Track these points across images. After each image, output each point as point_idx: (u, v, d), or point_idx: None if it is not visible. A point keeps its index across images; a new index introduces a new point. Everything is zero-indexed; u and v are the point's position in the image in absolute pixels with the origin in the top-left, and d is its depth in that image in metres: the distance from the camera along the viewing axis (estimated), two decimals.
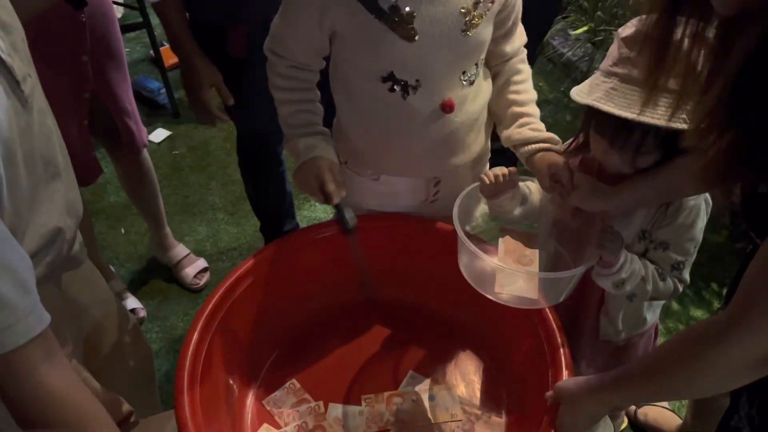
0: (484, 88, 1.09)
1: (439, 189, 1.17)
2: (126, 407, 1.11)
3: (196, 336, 0.99)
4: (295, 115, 1.08)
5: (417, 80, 0.99)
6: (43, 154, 0.74)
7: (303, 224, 2.00)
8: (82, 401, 0.66)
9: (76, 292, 1.02)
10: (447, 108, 1.02)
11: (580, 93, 0.90)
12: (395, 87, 1.00)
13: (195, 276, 1.95)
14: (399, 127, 1.05)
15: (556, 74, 2.67)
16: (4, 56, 0.65)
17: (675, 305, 1.86)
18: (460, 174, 1.15)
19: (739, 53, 0.56)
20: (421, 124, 1.04)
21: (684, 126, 0.77)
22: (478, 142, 1.14)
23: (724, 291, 1.85)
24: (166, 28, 1.38)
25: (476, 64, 1.03)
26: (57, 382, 0.64)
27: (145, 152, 1.74)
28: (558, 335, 0.98)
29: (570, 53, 2.56)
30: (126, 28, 2.35)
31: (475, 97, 1.07)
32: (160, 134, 2.51)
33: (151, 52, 2.75)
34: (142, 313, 1.84)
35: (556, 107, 2.55)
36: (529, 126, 1.05)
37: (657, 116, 0.78)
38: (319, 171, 1.05)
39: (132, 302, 1.85)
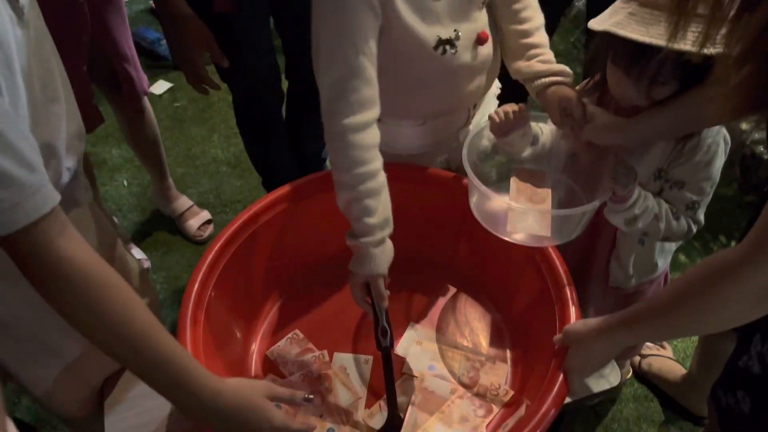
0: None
1: (476, 111, 1.17)
2: None
3: (197, 287, 0.98)
4: (351, 207, 0.97)
5: (455, 30, 0.99)
6: (41, 75, 0.72)
7: None
8: (103, 269, 0.68)
9: (81, 233, 1.01)
10: (483, 40, 1.02)
11: (597, 20, 0.86)
12: (446, 48, 0.99)
13: (199, 228, 1.94)
14: (444, 74, 1.04)
15: (566, 25, 2.61)
16: None
17: (682, 257, 1.85)
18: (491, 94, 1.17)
19: None
20: (464, 64, 1.03)
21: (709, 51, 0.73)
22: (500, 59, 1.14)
23: (732, 244, 1.83)
24: None
25: None
26: (76, 254, 0.65)
27: (146, 101, 1.70)
28: (563, 274, 0.97)
29: (580, 4, 2.50)
30: None
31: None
32: (161, 86, 2.48)
33: (151, 2, 2.68)
34: (147, 264, 1.84)
35: (566, 59, 2.50)
36: (539, 58, 1.02)
37: (687, 43, 0.75)
38: (356, 287, 0.99)
39: (136, 253, 1.85)
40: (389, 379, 0.97)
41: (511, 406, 0.97)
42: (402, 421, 0.96)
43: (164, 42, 2.54)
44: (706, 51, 0.67)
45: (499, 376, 1.03)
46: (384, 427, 0.96)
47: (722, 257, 0.69)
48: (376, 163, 0.96)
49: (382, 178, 0.96)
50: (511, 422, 0.90)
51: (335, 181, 0.97)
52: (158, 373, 0.72)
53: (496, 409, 0.97)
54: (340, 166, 0.95)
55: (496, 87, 1.23)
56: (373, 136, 0.95)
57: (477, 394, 0.99)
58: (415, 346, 1.08)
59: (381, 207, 0.96)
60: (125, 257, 1.14)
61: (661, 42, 0.79)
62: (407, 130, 1.14)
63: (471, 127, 1.17)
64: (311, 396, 0.87)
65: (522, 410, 0.92)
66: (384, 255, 0.97)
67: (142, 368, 0.72)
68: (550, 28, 1.09)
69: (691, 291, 0.73)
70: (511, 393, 0.99)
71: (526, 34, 1.05)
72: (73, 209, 0.98)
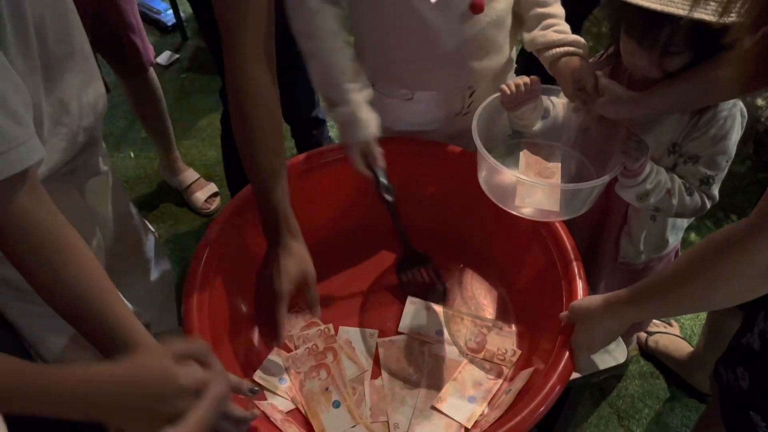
0: None
1: (473, 100, 1.13)
2: (144, 319, 1.11)
3: (203, 259, 0.98)
4: (325, 73, 1.01)
5: None
6: (57, 29, 0.71)
7: None
8: (63, 230, 0.67)
9: (98, 201, 1.02)
10: (477, 8, 0.98)
11: None
12: None
13: (206, 200, 1.94)
14: (430, 37, 1.00)
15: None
16: None
17: (693, 236, 1.83)
18: (493, 82, 1.12)
19: None
20: (453, 31, 1.00)
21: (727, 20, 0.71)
22: (510, 45, 1.10)
23: None
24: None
25: None
26: (40, 213, 0.64)
27: (152, 71, 1.69)
28: (570, 249, 0.96)
29: None
30: None
31: None
32: (167, 57, 2.45)
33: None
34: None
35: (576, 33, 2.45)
36: (554, 28, 1.00)
37: (709, 12, 0.73)
38: (354, 157, 1.04)
39: None
40: (398, 225, 1.07)
41: (520, 368, 0.97)
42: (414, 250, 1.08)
43: (171, 12, 2.51)
44: (724, 20, 0.65)
45: (505, 340, 1.03)
46: (400, 262, 1.10)
47: (729, 231, 0.68)
48: (338, 25, 1.00)
49: (343, 42, 1.00)
50: (516, 385, 0.91)
51: (303, 53, 1.01)
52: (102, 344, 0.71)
53: (506, 370, 0.98)
54: (305, 32, 0.99)
55: (509, 79, 1.18)
56: (334, 15, 0.99)
57: (484, 359, 0.99)
58: (422, 311, 1.08)
59: (352, 65, 1.00)
60: (139, 227, 1.14)
61: (673, 9, 0.77)
62: (396, 103, 1.13)
63: (469, 116, 1.14)
64: (257, 388, 0.81)
65: (530, 369, 0.92)
66: (371, 116, 1.01)
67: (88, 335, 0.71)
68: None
69: (697, 265, 0.71)
70: (519, 352, 0.99)
71: (543, 3, 1.02)
72: (93, 177, 0.98)
